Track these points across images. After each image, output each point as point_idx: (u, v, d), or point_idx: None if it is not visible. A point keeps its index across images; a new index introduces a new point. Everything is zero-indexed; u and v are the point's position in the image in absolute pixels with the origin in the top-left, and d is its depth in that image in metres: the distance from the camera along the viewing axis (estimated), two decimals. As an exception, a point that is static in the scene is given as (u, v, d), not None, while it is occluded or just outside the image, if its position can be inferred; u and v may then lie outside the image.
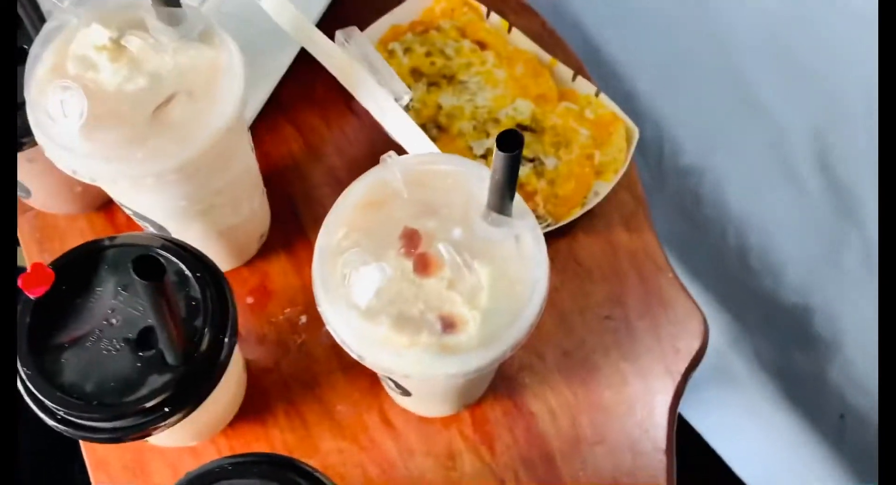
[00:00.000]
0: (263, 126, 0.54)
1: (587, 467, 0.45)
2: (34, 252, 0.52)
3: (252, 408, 0.47)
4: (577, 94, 0.50)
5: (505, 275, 0.31)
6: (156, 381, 0.35)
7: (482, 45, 0.51)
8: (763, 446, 0.65)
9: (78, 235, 0.52)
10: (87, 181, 0.36)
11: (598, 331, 0.48)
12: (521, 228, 0.31)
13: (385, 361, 0.31)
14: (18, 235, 0.52)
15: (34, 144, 0.43)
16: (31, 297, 0.36)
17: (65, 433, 0.35)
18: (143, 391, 0.35)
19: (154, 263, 0.27)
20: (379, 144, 0.53)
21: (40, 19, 0.39)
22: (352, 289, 0.31)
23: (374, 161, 0.33)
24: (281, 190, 0.52)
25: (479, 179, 0.32)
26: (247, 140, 0.41)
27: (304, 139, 0.54)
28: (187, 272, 0.37)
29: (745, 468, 0.68)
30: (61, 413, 0.35)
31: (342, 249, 0.32)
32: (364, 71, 0.40)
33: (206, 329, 0.36)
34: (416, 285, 0.31)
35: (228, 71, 0.37)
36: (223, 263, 0.48)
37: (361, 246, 0.31)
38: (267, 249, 0.51)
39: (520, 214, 0.31)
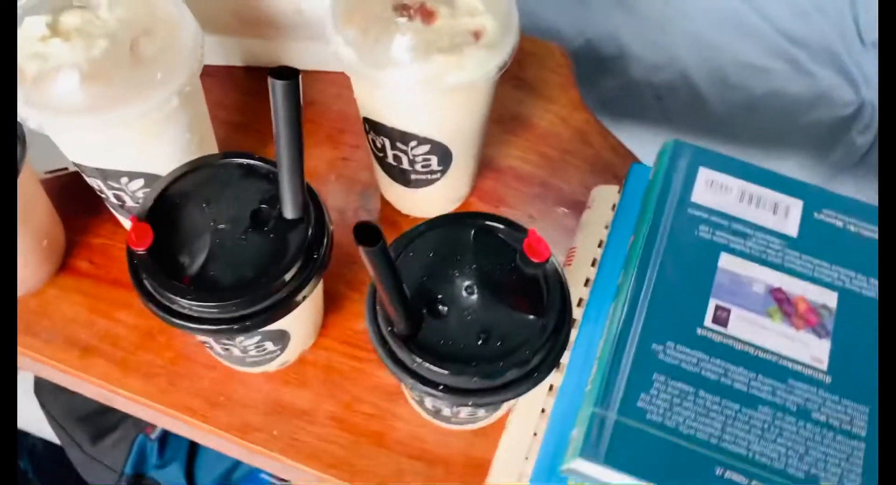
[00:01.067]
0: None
1: (569, 163, 0.58)
2: (37, 343, 0.50)
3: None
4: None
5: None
6: (294, 239, 0.39)
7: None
8: None
9: (57, 302, 0.51)
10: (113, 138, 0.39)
11: (499, 96, 0.60)
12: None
13: (453, 79, 0.40)
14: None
15: None
16: (142, 251, 0.38)
17: (253, 326, 0.38)
18: (291, 252, 0.39)
19: (289, 71, 0.33)
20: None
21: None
22: (393, 54, 0.39)
23: None
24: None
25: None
26: None
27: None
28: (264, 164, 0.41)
29: None
30: (247, 312, 0.38)
31: (368, 42, 0.40)
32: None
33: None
34: (433, 30, 0.40)
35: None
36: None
37: (377, 28, 0.40)
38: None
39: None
